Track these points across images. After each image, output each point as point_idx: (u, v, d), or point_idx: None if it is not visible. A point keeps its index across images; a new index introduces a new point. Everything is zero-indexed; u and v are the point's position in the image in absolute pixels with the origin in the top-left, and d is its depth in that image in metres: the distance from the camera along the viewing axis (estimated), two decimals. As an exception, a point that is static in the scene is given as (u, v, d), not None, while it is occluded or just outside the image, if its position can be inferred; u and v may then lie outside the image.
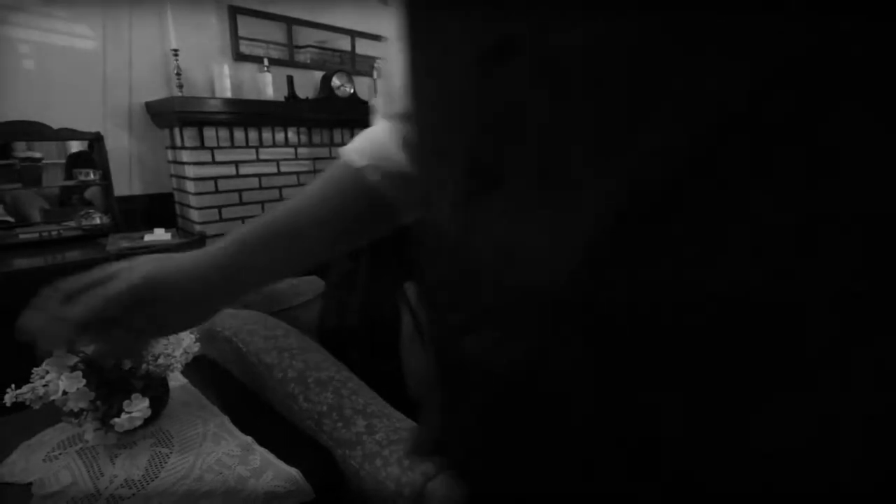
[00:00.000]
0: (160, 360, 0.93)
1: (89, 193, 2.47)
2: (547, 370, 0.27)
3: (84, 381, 0.86)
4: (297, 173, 2.76)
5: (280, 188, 2.71)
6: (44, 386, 0.86)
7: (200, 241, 2.25)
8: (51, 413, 0.91)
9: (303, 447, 0.93)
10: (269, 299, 1.66)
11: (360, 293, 1.31)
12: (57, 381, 0.86)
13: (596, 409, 0.26)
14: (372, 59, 3.42)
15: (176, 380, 1.13)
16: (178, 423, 0.99)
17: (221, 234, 2.45)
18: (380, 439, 0.84)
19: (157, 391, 0.96)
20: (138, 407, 0.88)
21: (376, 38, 3.42)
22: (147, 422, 0.93)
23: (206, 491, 0.81)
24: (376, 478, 0.79)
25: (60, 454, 0.90)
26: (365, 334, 1.31)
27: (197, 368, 1.19)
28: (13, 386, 0.87)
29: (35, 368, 0.90)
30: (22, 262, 1.94)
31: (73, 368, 0.87)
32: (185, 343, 0.95)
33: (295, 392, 0.94)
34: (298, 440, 0.94)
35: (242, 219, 2.58)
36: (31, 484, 0.84)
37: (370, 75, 3.18)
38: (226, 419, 1.00)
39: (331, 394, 0.92)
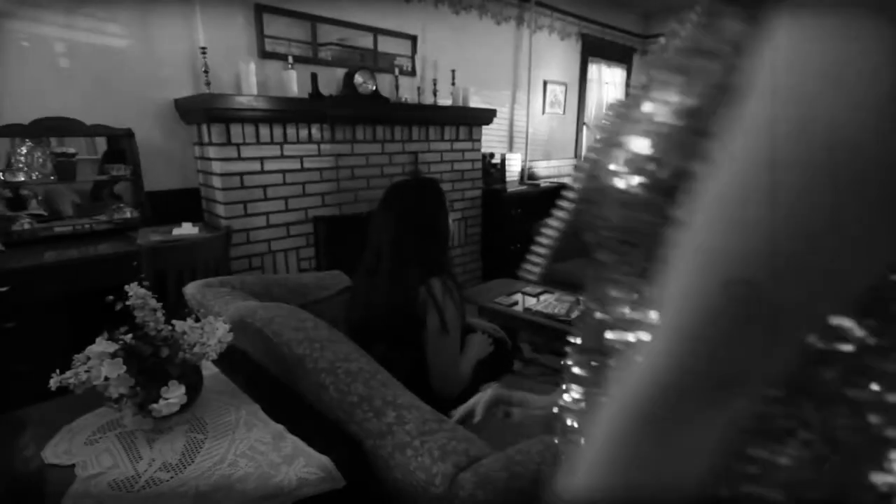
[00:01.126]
0: (196, 349, 0.96)
1: (119, 188, 2.54)
2: None
3: (125, 368, 0.89)
4: (320, 169, 2.79)
5: (303, 184, 2.74)
6: (86, 371, 0.89)
7: (227, 235, 2.29)
8: (92, 398, 0.95)
9: (333, 436, 0.94)
10: (297, 293, 1.68)
11: (383, 289, 1.33)
12: (99, 367, 0.89)
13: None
14: (393, 56, 3.44)
15: (208, 368, 1.16)
16: (211, 411, 1.02)
17: (246, 229, 2.50)
18: (410, 430, 0.85)
19: (192, 379, 0.98)
20: (175, 393, 0.91)
21: (398, 35, 3.44)
22: (182, 408, 0.96)
23: (240, 476, 0.83)
24: (407, 468, 0.80)
25: (101, 438, 0.93)
26: (389, 327, 1.32)
27: (228, 358, 1.22)
28: (57, 371, 0.90)
29: (76, 355, 0.93)
30: (56, 255, 2.00)
31: (115, 355, 0.90)
32: (219, 332, 0.97)
33: (326, 382, 0.95)
34: (328, 430, 0.96)
35: (266, 214, 2.63)
36: (73, 465, 0.88)
37: (392, 72, 3.20)
38: (257, 408, 1.02)
39: (361, 385, 0.94)
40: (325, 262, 2.84)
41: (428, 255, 1.33)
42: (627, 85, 5.85)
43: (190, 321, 1.00)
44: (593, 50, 5.19)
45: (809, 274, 0.24)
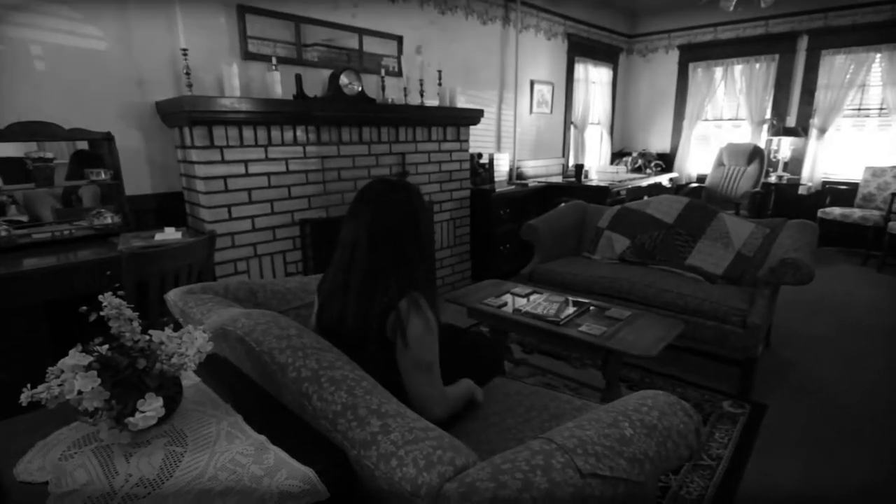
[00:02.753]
0: (174, 360, 0.93)
1: (89, 192, 2.43)
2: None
3: (99, 381, 0.86)
4: (306, 172, 2.75)
5: (289, 186, 2.70)
6: (59, 385, 0.86)
7: (210, 239, 2.25)
8: (66, 412, 0.92)
9: (317, 447, 0.92)
10: (282, 298, 1.65)
11: (352, 309, 1.20)
12: (72, 380, 0.86)
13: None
14: (379, 56, 3.41)
15: (189, 378, 1.13)
16: (191, 422, 0.99)
17: (231, 233, 2.47)
18: (395, 439, 0.83)
19: (171, 390, 0.96)
20: (152, 406, 0.88)
21: (384, 35, 3.42)
22: (161, 420, 0.93)
23: (221, 490, 0.81)
24: (392, 478, 0.78)
25: (76, 453, 0.90)
26: (362, 349, 1.19)
27: (210, 368, 1.19)
28: (28, 385, 0.87)
29: (50, 368, 0.90)
30: (35, 262, 1.95)
31: (88, 368, 0.87)
32: (198, 342, 0.95)
33: (309, 391, 0.93)
34: (312, 440, 0.94)
35: (252, 217, 2.58)
36: (47, 483, 0.85)
37: (378, 73, 3.17)
38: (239, 418, 1.00)
39: (345, 393, 0.91)
40: (312, 265, 2.81)
41: (402, 268, 1.18)
42: (614, 84, 5.88)
43: (168, 331, 0.97)
44: (579, 49, 5.20)
45: None
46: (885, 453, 1.87)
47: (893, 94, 4.54)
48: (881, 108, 4.72)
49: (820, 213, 4.61)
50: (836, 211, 4.53)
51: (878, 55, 4.58)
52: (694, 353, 2.60)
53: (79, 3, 2.22)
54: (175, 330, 1.00)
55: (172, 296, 1.42)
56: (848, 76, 4.72)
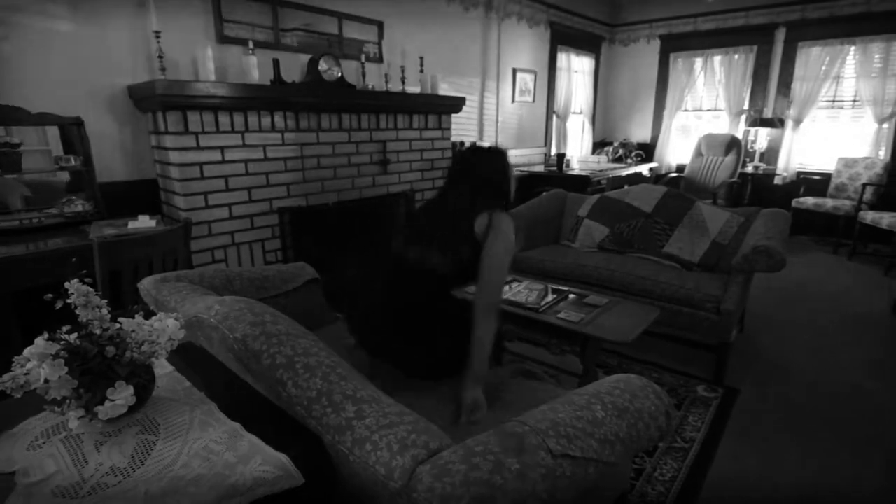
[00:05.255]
0: (144, 348, 0.92)
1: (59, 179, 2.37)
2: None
3: (66, 369, 0.84)
4: (285, 159, 2.71)
5: (267, 174, 2.66)
6: (25, 374, 0.84)
7: (186, 227, 2.21)
8: (34, 402, 0.90)
9: (292, 433, 0.92)
10: (258, 286, 1.64)
11: (449, 222, 1.43)
12: (38, 369, 0.84)
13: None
14: (360, 42, 3.36)
15: (162, 367, 1.12)
16: (164, 411, 0.98)
17: (208, 221, 2.42)
18: (369, 424, 0.83)
19: (142, 378, 0.94)
20: (122, 394, 0.87)
21: (364, 20, 3.36)
22: (132, 409, 0.92)
23: (194, 477, 0.80)
24: (366, 463, 0.79)
25: (44, 443, 0.89)
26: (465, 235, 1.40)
27: (184, 356, 1.18)
28: (-7, 374, 0.85)
29: (16, 357, 0.88)
30: (2, 251, 1.89)
31: (56, 356, 0.86)
32: (169, 330, 0.93)
33: (283, 378, 0.93)
34: (287, 426, 0.94)
35: (229, 205, 2.54)
36: (14, 473, 0.83)
37: (358, 59, 3.12)
38: (213, 406, 0.99)
39: (320, 379, 0.91)
40: (291, 253, 2.78)
41: (495, 202, 1.45)
42: (596, 74, 5.89)
43: (139, 318, 0.96)
44: (562, 38, 5.20)
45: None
46: (849, 437, 1.94)
47: (866, 87, 4.64)
48: (854, 100, 4.82)
49: (794, 202, 4.72)
50: (809, 200, 4.64)
51: (853, 48, 4.67)
52: (671, 340, 2.66)
53: (44, -19, 2.14)
54: (147, 317, 0.99)
55: (146, 284, 1.39)
56: (823, 68, 4.80)
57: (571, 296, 2.20)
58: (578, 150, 5.80)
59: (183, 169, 2.34)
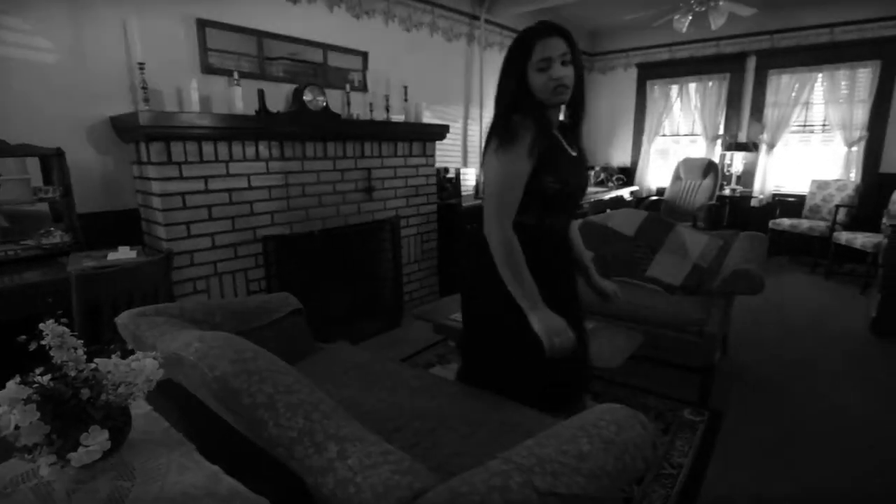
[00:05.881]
0: (121, 389, 0.89)
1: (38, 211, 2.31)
2: None
3: (38, 415, 0.82)
4: (269, 187, 2.71)
5: (251, 203, 2.65)
6: (-6, 421, 0.81)
7: (167, 258, 2.18)
8: (2, 448, 0.86)
9: (273, 475, 0.90)
10: (241, 318, 1.61)
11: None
12: (9, 415, 0.81)
13: None
14: (345, 71, 3.41)
15: (139, 407, 1.09)
16: (140, 454, 0.95)
17: (190, 251, 2.38)
18: (352, 464, 0.82)
19: (118, 421, 0.92)
20: (97, 439, 0.84)
21: (349, 51, 3.42)
22: (107, 454, 0.89)
23: (170, 526, 0.78)
24: (349, 505, 0.77)
25: (12, 492, 0.85)
26: None
27: (163, 395, 1.15)
28: (-40, 421, 0.82)
29: (-15, 401, 0.85)
30: (-24, 284, 1.85)
31: (28, 401, 0.83)
32: (147, 370, 0.91)
33: (264, 418, 0.91)
34: (269, 468, 0.92)
35: (212, 235, 2.52)
36: (-21, 526, 0.80)
37: (343, 88, 3.16)
38: (192, 448, 0.96)
39: (302, 418, 0.90)
40: (275, 283, 2.76)
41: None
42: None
43: (115, 358, 0.94)
44: (543, 66, 5.33)
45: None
46: (836, 451, 1.95)
47: (834, 112, 4.83)
48: (824, 125, 5.01)
49: (771, 223, 4.84)
50: (785, 222, 4.76)
51: (820, 75, 4.87)
52: (656, 363, 2.67)
53: (28, 14, 2.14)
54: (125, 356, 0.97)
55: (124, 319, 1.36)
56: (793, 94, 4.99)
57: (557, 321, 2.20)
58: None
59: (165, 199, 2.33)
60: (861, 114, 4.69)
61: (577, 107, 1.43)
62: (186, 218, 2.40)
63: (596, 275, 1.75)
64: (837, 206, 4.44)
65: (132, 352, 1.00)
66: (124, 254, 2.20)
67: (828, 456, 1.93)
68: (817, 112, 5.02)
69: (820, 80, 4.89)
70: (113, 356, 0.94)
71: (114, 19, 2.34)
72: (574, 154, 1.44)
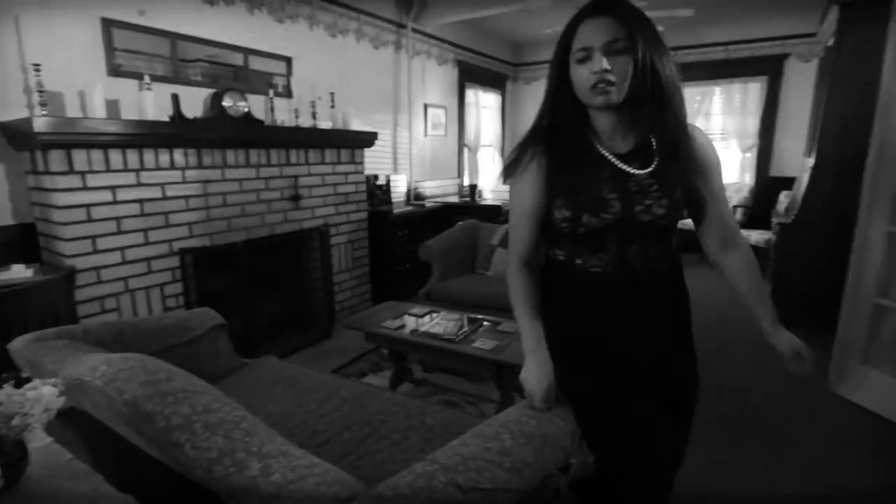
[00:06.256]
0: (15, 422, 0.82)
1: None
2: None
3: (-89, 457, 0.74)
4: (186, 197, 2.56)
5: (166, 214, 2.49)
6: None
7: (69, 276, 2.01)
8: None
9: (191, 499, 0.87)
10: (155, 337, 1.52)
11: None
12: None
13: None
14: (269, 75, 3.31)
15: (38, 439, 1.00)
16: (41, 490, 0.88)
17: (96, 268, 2.21)
18: (276, 480, 0.80)
19: (13, 456, 0.85)
20: (-15, 478, 0.77)
21: (271, 56, 3.32)
22: (2, 492, 0.82)
23: (75, 564, 0.73)
24: (273, 522, 0.76)
25: None
26: None
27: (66, 424, 1.07)
28: None
29: None
30: None
31: None
32: (45, 399, 0.85)
33: (181, 440, 0.87)
34: (187, 492, 0.88)
35: (121, 249, 2.34)
36: None
37: (266, 94, 3.06)
38: (99, 478, 0.90)
39: (221, 438, 0.87)
40: (195, 297, 2.61)
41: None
42: (503, 109, 6.24)
43: (8, 388, 0.86)
44: (469, 76, 5.47)
45: None
46: (784, 444, 2.08)
47: (730, 122, 5.35)
48: (722, 133, 5.52)
49: (679, 224, 5.25)
50: (689, 222, 5.19)
51: (718, 88, 5.37)
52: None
53: None
54: (19, 385, 0.89)
55: (17, 345, 1.25)
56: (696, 105, 5.47)
57: (486, 323, 2.27)
58: (490, 181, 6.06)
59: (67, 212, 2.15)
60: (753, 123, 5.23)
61: (657, 108, 1.02)
62: (92, 231, 2.23)
63: (771, 323, 1.17)
64: (735, 207, 4.90)
65: (28, 380, 0.92)
66: (19, 272, 2.00)
67: (775, 451, 2.04)
68: (716, 122, 5.53)
69: (718, 92, 5.40)
70: (5, 385, 0.87)
71: (4, 15, 2.14)
72: (633, 172, 1.07)
